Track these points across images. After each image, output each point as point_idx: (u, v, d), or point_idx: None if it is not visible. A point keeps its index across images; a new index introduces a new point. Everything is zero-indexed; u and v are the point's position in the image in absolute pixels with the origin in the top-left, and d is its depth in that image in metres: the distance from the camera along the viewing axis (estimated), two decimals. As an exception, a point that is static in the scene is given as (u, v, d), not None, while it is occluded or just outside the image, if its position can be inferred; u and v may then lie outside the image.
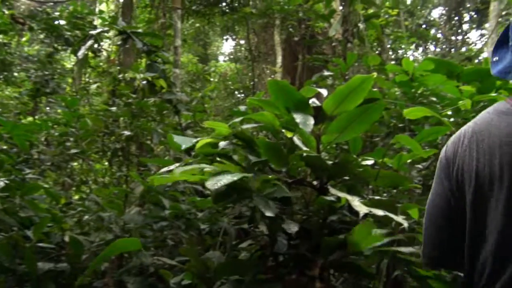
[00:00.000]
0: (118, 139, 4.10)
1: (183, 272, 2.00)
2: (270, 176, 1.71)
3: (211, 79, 12.06)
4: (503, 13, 12.58)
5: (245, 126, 2.03)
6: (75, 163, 4.79)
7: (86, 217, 2.94)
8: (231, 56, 16.64)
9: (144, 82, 4.01)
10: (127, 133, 3.88)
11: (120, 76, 4.75)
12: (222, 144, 1.80)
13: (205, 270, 1.73)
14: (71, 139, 4.07)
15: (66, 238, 2.42)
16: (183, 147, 1.73)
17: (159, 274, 2.23)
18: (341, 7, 6.65)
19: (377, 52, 7.81)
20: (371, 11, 6.42)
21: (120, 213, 2.68)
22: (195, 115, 4.20)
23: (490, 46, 11.11)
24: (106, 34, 4.80)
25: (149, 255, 2.32)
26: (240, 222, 2.38)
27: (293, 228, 1.72)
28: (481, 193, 0.95)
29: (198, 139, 1.82)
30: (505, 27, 1.12)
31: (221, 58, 18.70)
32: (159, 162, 2.99)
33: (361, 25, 5.30)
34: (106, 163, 4.68)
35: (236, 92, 12.86)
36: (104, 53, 8.47)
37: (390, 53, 9.09)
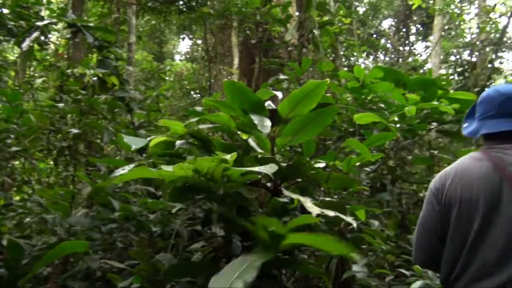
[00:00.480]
0: (65, 137, 3.90)
1: (132, 275, 1.94)
2: (236, 172, 1.70)
3: (167, 78, 11.82)
4: (446, 27, 13.50)
5: (201, 126, 2.02)
6: (17, 162, 4.49)
7: (28, 219, 2.76)
8: (188, 56, 16.41)
9: (95, 78, 3.85)
10: (75, 131, 3.69)
11: (69, 71, 4.52)
12: (178, 143, 1.78)
13: (155, 273, 1.69)
14: (12, 136, 3.80)
15: (4, 242, 2.25)
16: (133, 147, 1.68)
17: (107, 278, 2.15)
18: (297, 13, 6.79)
19: (331, 58, 8.07)
20: (326, 18, 6.63)
21: (66, 215, 2.55)
22: (149, 114, 4.10)
23: (434, 57, 11.88)
24: (54, 26, 4.54)
25: (96, 258, 2.22)
26: (193, 223, 2.35)
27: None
28: (462, 212, 1.42)
29: (152, 137, 1.78)
30: (473, 104, 1.68)
31: (177, 57, 18.39)
32: (110, 162, 2.88)
33: (316, 32, 5.45)
34: (51, 162, 4.42)
35: (192, 92, 12.70)
36: (52, 46, 8.01)
37: (343, 59, 9.43)
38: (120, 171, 1.48)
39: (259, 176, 1.72)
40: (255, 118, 1.64)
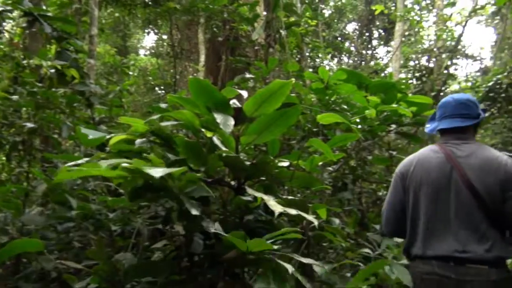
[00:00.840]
0: (18, 132, 3.69)
1: (90, 276, 1.88)
2: (192, 175, 1.68)
3: (130, 73, 11.49)
4: (406, 33, 14.06)
5: (164, 124, 1.98)
6: (-35, 157, 4.21)
7: (-24, 218, 2.59)
8: (153, 51, 16.06)
9: (53, 70, 3.67)
10: (30, 125, 3.51)
11: (25, 62, 4.29)
12: (138, 141, 1.73)
13: (114, 273, 1.65)
14: (-39, 129, 3.57)
15: (-51, 242, 2.11)
16: (90, 137, 1.60)
17: (63, 280, 2.06)
18: (264, 13, 6.83)
19: (296, 59, 8.18)
20: (292, 19, 6.71)
21: (18, 213, 2.42)
22: (111, 110, 3.97)
23: (394, 62, 12.34)
24: (9, 14, 4.29)
25: (51, 258, 2.13)
26: (155, 222, 2.30)
27: (212, 227, 1.72)
28: (418, 193, 1.83)
29: (112, 134, 1.72)
30: (435, 111, 2.03)
31: (141, 51, 17.95)
32: (67, 158, 2.75)
33: (282, 32, 5.50)
34: (4, 158, 4.18)
35: (157, 88, 12.44)
36: (6, 35, 7.57)
37: (309, 61, 9.58)
38: (71, 167, 1.43)
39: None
40: (218, 117, 1.63)
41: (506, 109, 8.32)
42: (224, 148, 1.87)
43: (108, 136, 1.68)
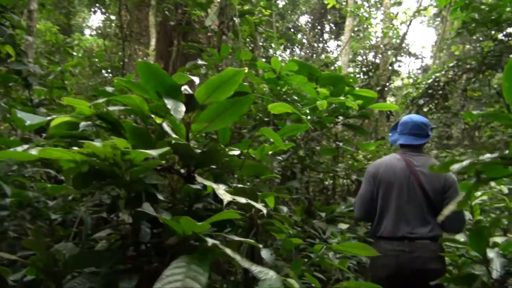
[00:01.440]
0: None
1: (26, 267, 1.77)
2: (150, 161, 1.62)
3: (74, 54, 10.82)
4: (355, 29, 14.55)
5: (110, 108, 1.89)
6: None
7: None
8: (99, 31, 15.21)
9: (-15, 46, 3.36)
10: (-43, 105, 3.20)
11: (-48, 35, 3.87)
12: (83, 124, 1.64)
13: (54, 264, 1.56)
14: None
15: None
16: (27, 123, 1.49)
17: (-5, 272, 1.92)
18: (219, -1, 6.72)
19: (250, 48, 8.17)
20: (246, 7, 6.66)
21: None
22: (51, 92, 3.72)
23: (344, 56, 12.74)
24: None
25: (-18, 250, 1.97)
26: (99, 210, 2.22)
27: (159, 214, 1.68)
28: (386, 189, 2.49)
29: (53, 116, 1.62)
30: (396, 122, 2.73)
31: (87, 31, 16.95)
32: (2, 143, 2.55)
33: (236, 20, 5.46)
34: None
35: (103, 71, 11.83)
36: None
37: (262, 50, 9.61)
38: (14, 150, 1.32)
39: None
40: (168, 103, 1.59)
41: (442, 106, 8.95)
42: (174, 135, 1.83)
43: (48, 118, 1.57)
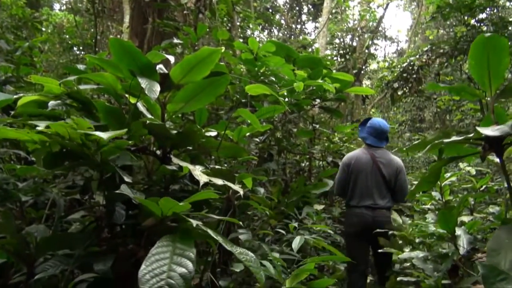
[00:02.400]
0: None
1: (-4, 251, 1.72)
2: (121, 141, 1.58)
3: (43, 29, 10.33)
4: (333, 11, 14.51)
5: (82, 87, 1.83)
6: None
7: None
8: (70, 6, 14.54)
9: None
10: None
11: None
12: (52, 103, 1.58)
13: (25, 247, 1.52)
14: None
15: None
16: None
17: (-38, 255, 1.86)
18: (195, -25, 6.50)
19: (227, 28, 8.03)
20: (224, -15, 6.50)
21: None
22: (18, 69, 3.55)
23: (321, 38, 12.73)
24: None
25: None
26: (72, 192, 2.16)
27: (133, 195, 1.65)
28: (356, 174, 3.54)
29: (20, 95, 1.54)
30: (365, 119, 3.84)
31: (56, 6, 16.18)
32: (-35, 122, 2.43)
33: (213, -2, 5.33)
34: None
35: (75, 48, 11.36)
36: None
37: (239, 30, 9.46)
38: None
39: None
40: (143, 82, 1.54)
41: (416, 89, 9.14)
42: (149, 116, 1.80)
43: (15, 97, 1.50)
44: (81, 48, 10.89)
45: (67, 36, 11.01)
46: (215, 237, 1.37)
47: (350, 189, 3.56)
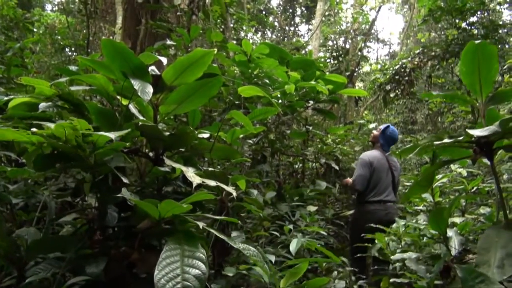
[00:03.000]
0: None
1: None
2: (116, 143, 1.57)
3: (35, 30, 10.24)
4: (326, 13, 14.58)
5: (74, 88, 1.81)
6: None
7: None
8: (62, 7, 14.44)
9: None
10: None
11: None
12: (42, 105, 1.56)
13: (15, 250, 1.51)
14: None
15: None
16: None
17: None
18: (188, -23, 6.49)
19: (220, 29, 8.02)
20: (217, -13, 6.49)
21: None
22: (9, 70, 3.51)
23: (315, 40, 12.79)
24: None
25: None
26: (64, 194, 2.14)
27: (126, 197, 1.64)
28: (378, 173, 4.21)
29: (11, 96, 1.53)
30: (386, 126, 4.58)
31: (48, 6, 16.07)
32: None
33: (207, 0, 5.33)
34: None
35: (67, 49, 11.28)
36: None
37: (233, 32, 9.47)
38: None
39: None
40: (135, 83, 1.53)
41: (408, 91, 9.20)
42: (141, 117, 1.79)
43: (6, 98, 1.48)
44: (73, 49, 10.82)
45: (59, 37, 10.93)
46: (218, 235, 1.38)
47: (372, 184, 4.17)
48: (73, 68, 2.26)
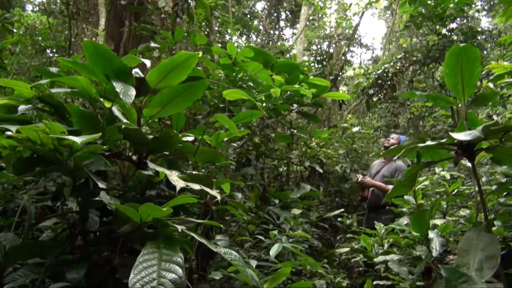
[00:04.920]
0: None
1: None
2: (95, 146, 1.54)
3: (14, 30, 10.00)
4: (311, 18, 14.72)
5: (54, 90, 1.78)
6: None
7: None
8: (43, 7, 14.17)
9: None
10: None
11: None
12: (22, 107, 1.53)
13: (-7, 256, 1.46)
14: None
15: None
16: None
17: None
18: (173, -20, 6.45)
19: (205, 32, 8.00)
20: (202, -10, 6.47)
21: None
22: (-13, 71, 3.43)
23: (299, 44, 12.89)
24: None
25: None
26: (43, 199, 2.09)
27: (108, 201, 1.61)
28: (371, 168, 5.13)
29: (-11, 99, 1.49)
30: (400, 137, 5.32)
31: (28, 7, 15.74)
32: None
33: (191, 2, 5.31)
34: None
35: (48, 51, 11.05)
36: None
37: (217, 35, 9.46)
38: None
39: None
40: (118, 86, 1.51)
41: (390, 96, 9.35)
42: (124, 120, 1.77)
43: (-18, 101, 1.44)
44: (54, 50, 10.62)
45: (40, 38, 10.71)
46: (199, 239, 1.36)
47: None
48: (54, 70, 2.22)
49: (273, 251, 2.62)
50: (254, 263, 2.32)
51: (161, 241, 1.32)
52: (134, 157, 1.85)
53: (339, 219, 4.83)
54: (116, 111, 1.77)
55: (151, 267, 1.22)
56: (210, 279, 2.48)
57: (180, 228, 1.35)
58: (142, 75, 1.73)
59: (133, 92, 1.54)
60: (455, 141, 1.57)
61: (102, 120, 1.72)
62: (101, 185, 1.53)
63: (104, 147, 1.55)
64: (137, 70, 1.74)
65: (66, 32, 9.05)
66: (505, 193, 2.38)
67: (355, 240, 3.63)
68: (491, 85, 4.76)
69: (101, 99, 1.78)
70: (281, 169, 5.23)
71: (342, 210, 4.70)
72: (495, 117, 5.14)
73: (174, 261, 1.25)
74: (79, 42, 9.23)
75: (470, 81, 1.72)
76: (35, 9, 15.16)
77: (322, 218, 4.75)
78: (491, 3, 15.10)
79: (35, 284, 1.52)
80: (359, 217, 5.11)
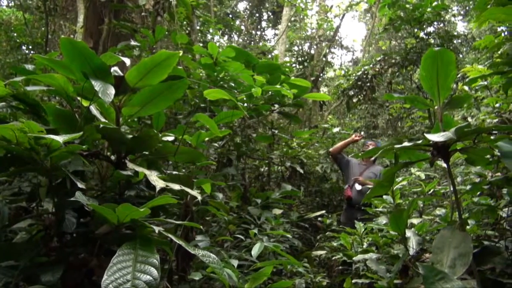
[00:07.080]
0: None
1: None
2: (73, 146, 1.50)
3: (-13, 26, 9.68)
4: (292, 19, 14.81)
5: (30, 88, 1.73)
6: None
7: None
8: (18, 2, 13.75)
9: None
10: None
11: None
12: (-5, 106, 1.48)
13: (-37, 259, 1.41)
14: None
15: None
16: None
17: None
18: (154, -23, 6.37)
19: (186, 32, 7.94)
20: (183, -12, 6.42)
21: None
22: (-42, 68, 3.30)
23: (281, 45, 12.94)
24: None
25: None
26: (18, 199, 2.03)
27: (85, 202, 1.58)
28: (350, 169, 5.25)
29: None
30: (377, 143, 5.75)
31: (3, 2, 15.25)
32: None
33: (172, 1, 5.26)
34: None
35: (23, 47, 10.74)
36: None
37: (199, 35, 9.40)
38: None
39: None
40: (96, 84, 1.48)
41: (370, 97, 9.50)
42: (103, 119, 1.73)
43: (-47, 98, 1.39)
44: (30, 47, 10.32)
45: (15, 34, 10.39)
46: (177, 241, 1.35)
47: (345, 178, 5.30)
48: (29, 67, 2.16)
49: (255, 250, 2.62)
50: (235, 262, 2.31)
51: (138, 242, 1.30)
52: (112, 157, 1.82)
53: (319, 218, 4.88)
54: (94, 110, 1.74)
55: (126, 268, 1.19)
56: (190, 280, 2.46)
57: (157, 229, 1.33)
58: (122, 74, 1.70)
59: (112, 90, 1.51)
60: (430, 142, 1.61)
61: (80, 119, 1.69)
62: (80, 185, 1.50)
63: (83, 146, 1.52)
64: (116, 68, 1.71)
65: (43, 28, 8.82)
66: (478, 193, 2.46)
67: (335, 239, 3.67)
68: (466, 88, 4.90)
69: (79, 98, 1.74)
70: (262, 169, 5.24)
71: (324, 211, 4.76)
72: (469, 119, 5.30)
73: (149, 263, 1.23)
74: (56, 39, 9.01)
75: (446, 84, 1.77)
76: (10, 4, 14.70)
77: (302, 218, 4.79)
78: (467, 8, 15.56)
79: (8, 288, 1.48)
80: (339, 217, 5.17)
